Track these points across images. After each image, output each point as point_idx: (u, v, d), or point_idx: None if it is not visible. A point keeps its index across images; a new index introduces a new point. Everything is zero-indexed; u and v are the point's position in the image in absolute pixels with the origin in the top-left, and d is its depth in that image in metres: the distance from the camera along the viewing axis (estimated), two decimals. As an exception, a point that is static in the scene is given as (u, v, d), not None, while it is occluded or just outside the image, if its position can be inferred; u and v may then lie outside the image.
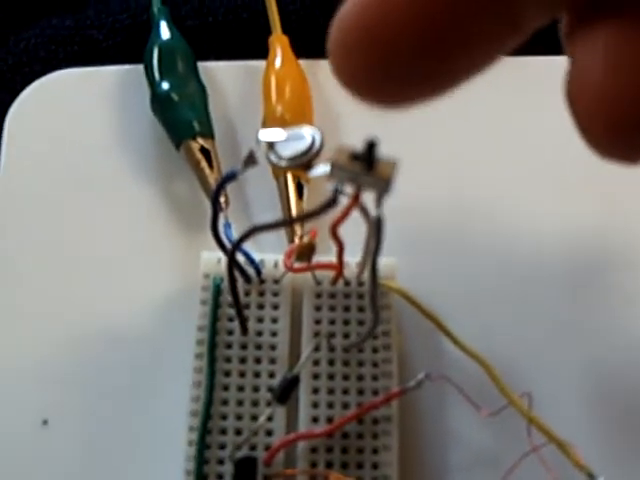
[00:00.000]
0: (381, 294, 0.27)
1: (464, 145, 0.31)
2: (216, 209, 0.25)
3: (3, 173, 0.31)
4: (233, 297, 0.24)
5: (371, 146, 0.19)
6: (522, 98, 0.32)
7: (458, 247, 0.29)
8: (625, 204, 0.30)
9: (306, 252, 0.26)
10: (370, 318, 0.25)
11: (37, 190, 0.31)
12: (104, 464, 0.27)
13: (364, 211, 0.22)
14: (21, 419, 0.27)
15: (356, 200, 0.21)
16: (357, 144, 0.30)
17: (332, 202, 0.20)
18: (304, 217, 0.27)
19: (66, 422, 0.27)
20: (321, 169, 0.21)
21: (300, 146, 0.23)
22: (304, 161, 0.23)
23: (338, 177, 0.20)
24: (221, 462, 0.24)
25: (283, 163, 0.23)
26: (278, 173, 0.29)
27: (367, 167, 0.19)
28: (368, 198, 0.21)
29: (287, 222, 0.25)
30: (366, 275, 0.26)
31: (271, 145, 0.23)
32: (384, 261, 0.27)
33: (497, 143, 0.31)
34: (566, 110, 0.16)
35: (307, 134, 0.23)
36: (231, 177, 0.25)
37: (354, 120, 0.32)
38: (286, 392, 0.23)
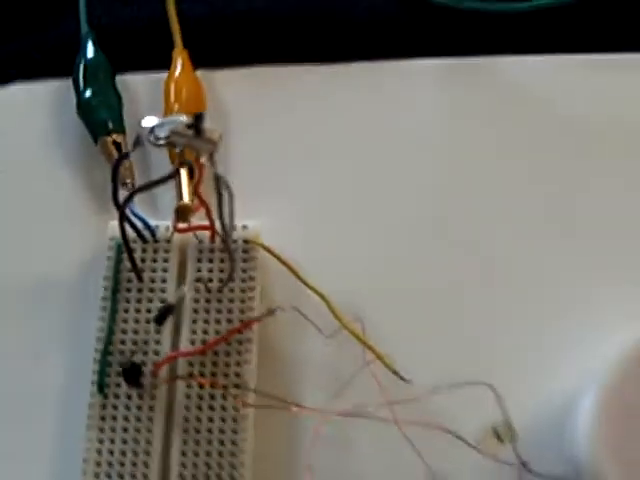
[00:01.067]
0: (250, 248, 0.34)
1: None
2: (115, 181, 0.32)
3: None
4: (125, 247, 0.32)
5: (198, 117, 0.27)
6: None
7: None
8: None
9: (182, 214, 0.34)
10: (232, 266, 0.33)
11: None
12: (32, 388, 0.34)
13: (214, 176, 0.29)
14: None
15: (200, 165, 0.29)
16: (247, 145, 0.38)
17: (178, 168, 0.28)
18: (160, 181, 0.34)
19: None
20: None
21: (172, 128, 0.31)
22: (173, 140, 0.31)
23: (178, 142, 0.27)
24: (119, 374, 0.32)
25: (158, 142, 0.31)
26: (173, 157, 0.37)
27: (196, 133, 0.27)
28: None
29: (157, 183, 0.32)
30: (234, 233, 0.34)
31: (151, 129, 0.31)
32: (251, 223, 0.34)
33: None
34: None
35: (179, 119, 0.31)
36: (125, 157, 0.33)
37: (245, 124, 0.39)
38: (163, 316, 0.31)
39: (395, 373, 0.31)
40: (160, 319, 0.31)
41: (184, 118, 0.30)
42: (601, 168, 0.37)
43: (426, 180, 0.37)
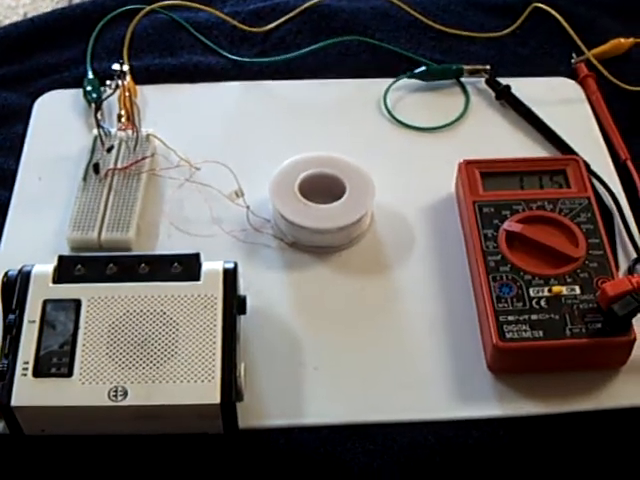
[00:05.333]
0: (149, 137, 0.84)
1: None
2: (96, 115, 0.83)
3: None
4: (98, 134, 0.82)
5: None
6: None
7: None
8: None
9: (119, 117, 0.83)
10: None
11: None
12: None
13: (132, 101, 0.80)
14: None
15: (129, 97, 0.80)
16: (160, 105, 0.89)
17: (119, 94, 0.79)
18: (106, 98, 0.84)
19: None
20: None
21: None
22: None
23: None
24: (93, 170, 0.81)
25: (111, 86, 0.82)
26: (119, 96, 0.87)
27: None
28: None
29: (106, 98, 0.82)
30: (142, 131, 0.84)
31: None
32: (151, 129, 0.85)
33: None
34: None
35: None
36: (99, 106, 0.84)
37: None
38: (110, 149, 0.80)
39: (188, 163, 0.80)
40: (109, 149, 0.80)
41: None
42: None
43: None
